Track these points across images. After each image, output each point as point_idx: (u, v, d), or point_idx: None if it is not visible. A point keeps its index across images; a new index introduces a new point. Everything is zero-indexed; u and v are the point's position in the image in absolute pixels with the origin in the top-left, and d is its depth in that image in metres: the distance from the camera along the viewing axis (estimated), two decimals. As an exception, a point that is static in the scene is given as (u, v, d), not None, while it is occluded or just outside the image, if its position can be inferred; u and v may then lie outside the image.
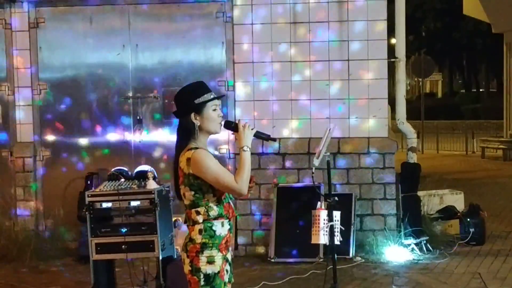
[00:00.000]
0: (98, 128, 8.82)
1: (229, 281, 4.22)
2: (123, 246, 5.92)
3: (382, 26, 8.34)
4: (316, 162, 4.65)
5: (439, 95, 49.84)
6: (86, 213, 5.97)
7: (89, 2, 8.72)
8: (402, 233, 8.21)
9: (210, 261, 4.06)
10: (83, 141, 8.84)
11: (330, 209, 4.62)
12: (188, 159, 4.05)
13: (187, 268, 4.11)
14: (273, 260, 8.06)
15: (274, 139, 4.32)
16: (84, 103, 8.84)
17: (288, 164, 8.47)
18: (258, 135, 4.21)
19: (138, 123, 8.72)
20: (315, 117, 8.45)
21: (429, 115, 26.05)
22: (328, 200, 4.65)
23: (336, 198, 4.73)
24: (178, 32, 8.67)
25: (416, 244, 8.18)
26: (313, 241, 4.65)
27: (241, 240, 8.43)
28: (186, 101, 4.17)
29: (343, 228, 4.67)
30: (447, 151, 22.17)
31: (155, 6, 8.71)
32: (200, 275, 4.06)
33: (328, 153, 4.76)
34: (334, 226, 4.57)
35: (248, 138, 4.12)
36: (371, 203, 8.40)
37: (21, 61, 8.84)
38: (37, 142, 8.86)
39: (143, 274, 6.39)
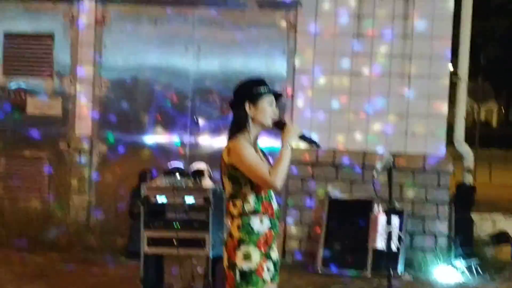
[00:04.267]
0: (155, 127, 8.91)
1: (273, 280, 4.20)
2: (174, 242, 5.95)
3: (446, 44, 8.28)
4: (378, 165, 4.62)
5: (494, 124, 49.12)
6: (141, 205, 6.02)
7: (155, 3, 8.83)
8: (452, 254, 8.10)
9: (246, 257, 4.06)
10: (139, 138, 8.94)
11: (389, 213, 4.58)
12: (229, 149, 4.11)
13: (225, 263, 4.13)
14: (319, 271, 8.02)
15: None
16: (143, 101, 8.95)
17: (341, 176, 8.44)
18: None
19: (195, 125, 8.79)
20: (372, 131, 8.41)
21: (483, 143, 25.61)
22: (388, 204, 4.61)
23: (396, 203, 4.69)
24: (241, 38, 8.72)
25: (466, 267, 8.05)
26: (370, 246, 4.60)
27: (289, 248, 8.42)
28: (243, 90, 4.22)
29: (401, 235, 4.62)
30: (501, 179, 21.78)
31: (220, 11, 8.77)
32: (235, 270, 4.07)
33: (392, 156, 4.73)
34: (392, 232, 4.52)
35: (291, 137, 4.12)
36: (423, 222, 8.31)
37: (85, 56, 8.98)
38: (94, 137, 8.99)
39: (191, 271, 6.41)
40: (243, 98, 4.20)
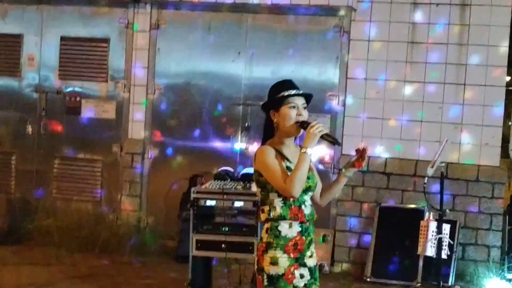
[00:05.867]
0: (206, 132, 8.94)
1: (309, 287, 4.11)
2: (223, 245, 5.96)
3: (503, 51, 8.13)
4: (430, 171, 4.56)
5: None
6: (190, 208, 6.05)
7: (209, 9, 8.87)
8: (505, 266, 7.93)
9: (274, 262, 4.00)
10: (191, 143, 8.98)
11: (440, 221, 4.50)
12: (255, 156, 4.07)
13: (255, 266, 4.09)
14: (368, 280, 7.93)
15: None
16: (195, 106, 9.00)
17: (392, 184, 8.34)
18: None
19: (246, 130, 8.80)
20: (424, 139, 8.30)
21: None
22: (439, 211, 4.53)
23: (448, 211, 4.60)
24: (293, 43, 8.70)
25: (519, 279, 7.88)
26: (419, 253, 4.54)
27: (338, 256, 8.35)
28: (269, 97, 4.15)
29: (451, 242, 4.53)
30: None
31: (273, 16, 8.77)
32: (263, 275, 4.01)
33: (444, 164, 4.65)
34: (443, 239, 4.44)
35: (311, 140, 3.96)
36: (476, 233, 8.15)
37: (139, 60, 9.07)
38: (146, 140, 9.07)
39: (239, 275, 6.41)
40: (267, 105, 4.15)
